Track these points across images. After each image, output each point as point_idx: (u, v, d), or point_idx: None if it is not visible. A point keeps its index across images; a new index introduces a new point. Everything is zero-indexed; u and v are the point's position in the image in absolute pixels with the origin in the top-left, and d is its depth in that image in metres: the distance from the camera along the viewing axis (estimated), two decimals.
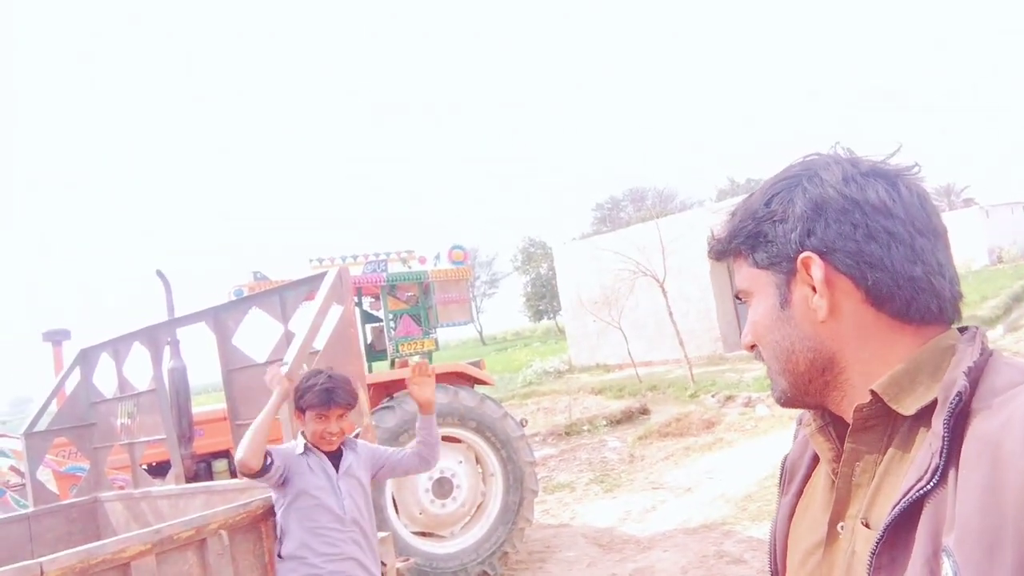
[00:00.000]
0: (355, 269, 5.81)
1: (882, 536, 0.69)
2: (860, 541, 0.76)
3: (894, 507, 0.69)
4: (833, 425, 0.90)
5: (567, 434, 10.96)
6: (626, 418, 11.53)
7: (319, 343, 3.51)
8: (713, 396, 11.70)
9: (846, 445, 0.81)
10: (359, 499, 2.82)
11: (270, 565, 2.76)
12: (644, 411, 11.88)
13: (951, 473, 0.67)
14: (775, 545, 0.98)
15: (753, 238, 0.88)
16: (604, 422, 11.28)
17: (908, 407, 0.75)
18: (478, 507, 5.57)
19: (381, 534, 3.61)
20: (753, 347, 0.92)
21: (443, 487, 5.41)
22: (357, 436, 3.07)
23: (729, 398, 11.36)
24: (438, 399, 5.43)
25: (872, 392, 0.77)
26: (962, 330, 0.83)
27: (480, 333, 53.55)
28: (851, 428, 0.80)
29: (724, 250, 0.94)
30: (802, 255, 0.82)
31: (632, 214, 46.00)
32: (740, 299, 0.95)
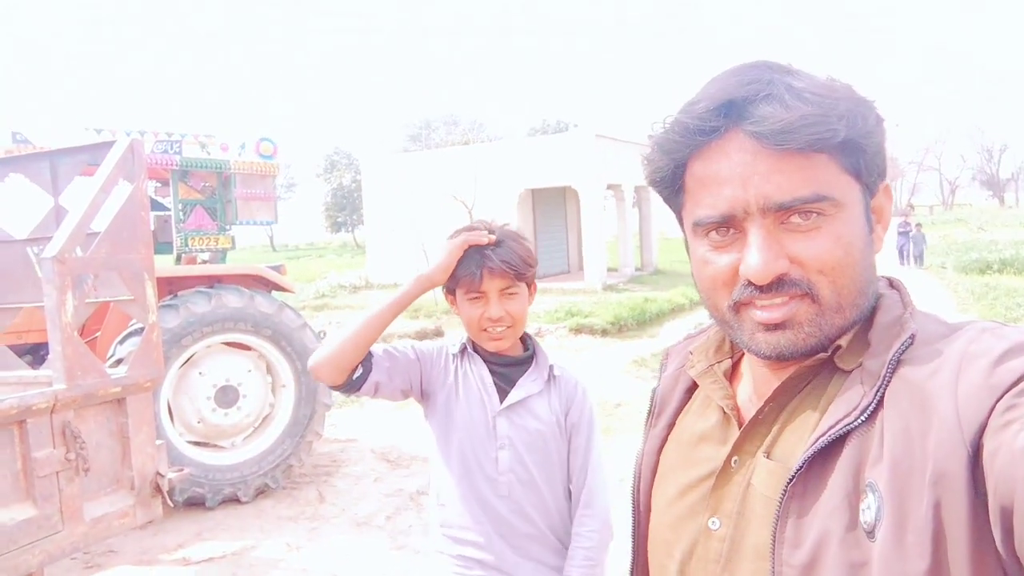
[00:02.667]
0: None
1: (801, 467, 0.69)
2: (761, 473, 0.75)
3: (817, 439, 0.69)
4: (719, 365, 0.90)
5: None
6: (420, 338, 11.56)
7: (99, 224, 3.01)
8: None
9: (776, 389, 0.78)
10: (532, 455, 1.71)
11: (23, 473, 2.36)
12: (439, 332, 12.02)
13: (879, 413, 0.67)
14: (641, 475, 0.95)
15: (866, 138, 0.73)
16: (398, 340, 11.24)
17: (847, 362, 0.74)
18: (264, 418, 5.28)
19: (156, 442, 3.28)
20: (782, 275, 0.72)
21: (227, 396, 5.03)
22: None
23: None
24: (231, 302, 5.02)
25: (838, 346, 0.75)
26: None
27: (271, 239, 51.01)
28: (792, 374, 0.77)
29: (813, 134, 0.69)
30: (884, 182, 0.77)
31: (444, 137, 45.60)
32: (794, 210, 0.71)
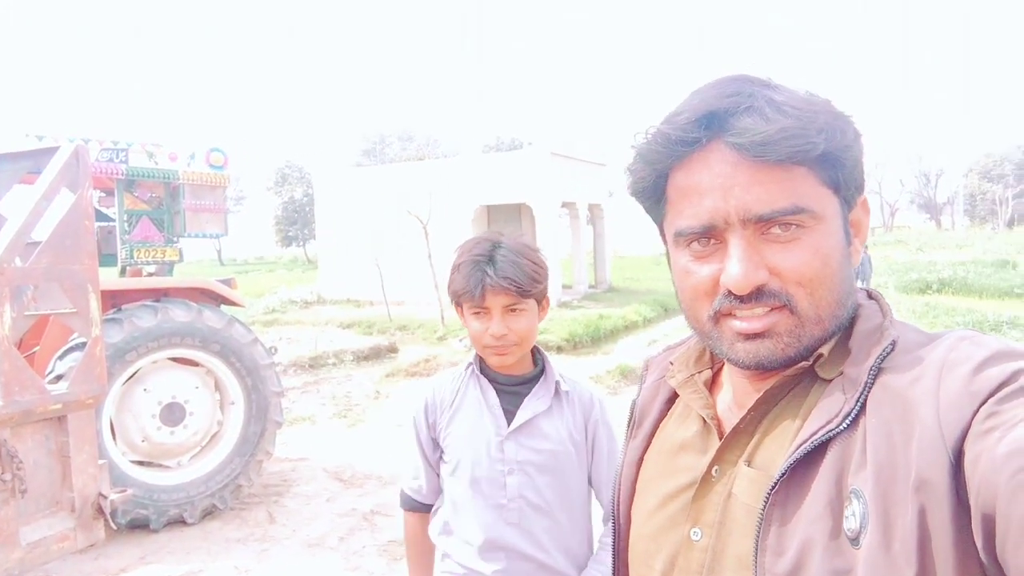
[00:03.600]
0: None
1: (783, 474, 0.69)
2: (742, 482, 0.75)
3: (799, 446, 0.69)
4: (699, 375, 0.90)
5: (311, 366, 10.58)
6: (374, 355, 11.41)
7: (40, 234, 2.88)
8: (461, 340, 12.00)
9: (759, 399, 0.78)
10: (544, 477, 1.64)
11: None
12: (392, 349, 11.86)
13: (861, 420, 0.68)
14: (620, 487, 0.94)
15: (844, 152, 0.73)
16: (351, 357, 11.05)
17: (828, 371, 0.75)
18: (212, 437, 5.12)
19: (99, 461, 3.13)
20: (761, 286, 0.72)
21: (173, 414, 4.86)
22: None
23: None
24: (178, 316, 4.86)
25: (820, 354, 0.75)
26: None
27: (219, 253, 49.99)
28: (775, 384, 0.77)
29: (792, 146, 0.70)
30: (862, 196, 0.79)
31: (399, 153, 45.50)
32: (773, 222, 0.72)
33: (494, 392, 1.69)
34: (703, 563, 0.77)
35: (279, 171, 44.12)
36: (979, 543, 0.57)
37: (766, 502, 0.70)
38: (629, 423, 0.99)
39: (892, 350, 0.71)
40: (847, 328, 0.77)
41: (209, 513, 4.94)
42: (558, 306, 16.24)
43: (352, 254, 18.54)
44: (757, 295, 0.73)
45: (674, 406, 0.93)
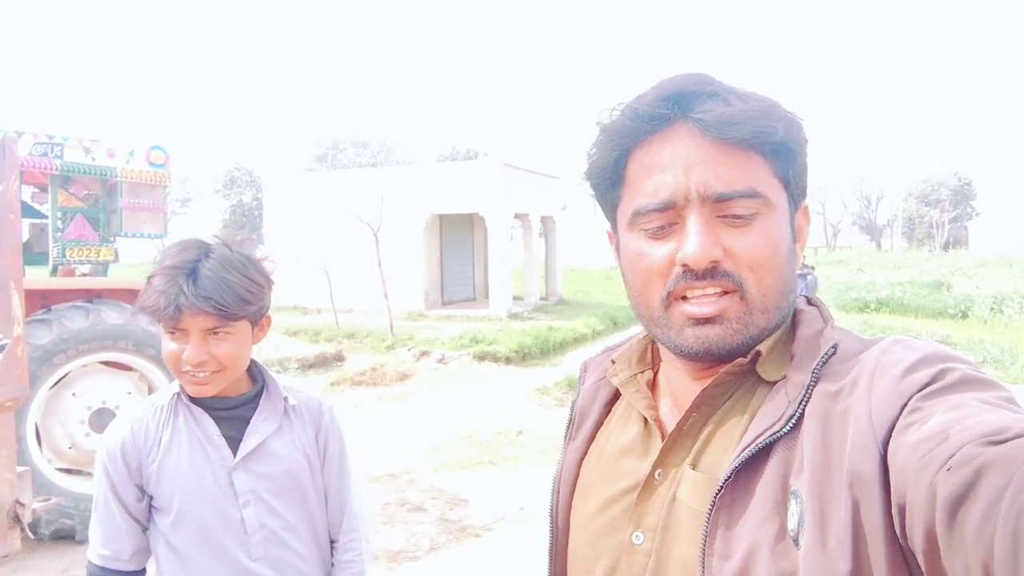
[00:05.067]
0: (20, 148, 4.71)
1: (729, 477, 0.69)
2: (687, 485, 0.74)
3: (743, 449, 0.69)
4: (641, 375, 0.89)
5: None
6: (320, 363, 11.22)
7: None
8: (409, 350, 11.90)
9: (698, 397, 0.78)
10: (283, 499, 1.51)
11: None
12: (339, 358, 11.68)
13: (802, 423, 0.69)
14: (559, 491, 0.92)
15: (798, 146, 0.77)
16: (296, 365, 10.84)
17: (771, 373, 0.75)
18: None
19: (20, 468, 2.98)
20: (716, 263, 0.73)
21: (103, 420, 4.66)
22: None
23: (424, 353, 11.64)
24: (111, 318, 4.68)
25: (758, 352, 0.76)
26: None
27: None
28: (713, 381, 0.77)
29: (756, 127, 0.72)
30: (805, 201, 0.81)
31: (352, 159, 45.12)
32: (730, 203, 0.73)
33: (211, 420, 1.48)
34: (646, 567, 0.75)
35: (228, 173, 43.30)
36: (898, 532, 0.58)
37: (712, 506, 0.69)
38: (568, 426, 0.97)
39: (834, 354, 0.72)
40: (789, 333, 0.78)
41: None
42: (508, 317, 16.26)
43: (301, 260, 18.24)
44: (712, 273, 0.73)
45: (614, 408, 0.92)
